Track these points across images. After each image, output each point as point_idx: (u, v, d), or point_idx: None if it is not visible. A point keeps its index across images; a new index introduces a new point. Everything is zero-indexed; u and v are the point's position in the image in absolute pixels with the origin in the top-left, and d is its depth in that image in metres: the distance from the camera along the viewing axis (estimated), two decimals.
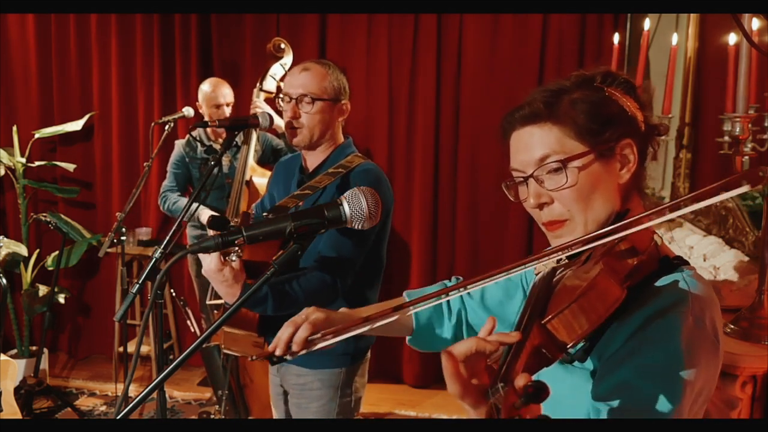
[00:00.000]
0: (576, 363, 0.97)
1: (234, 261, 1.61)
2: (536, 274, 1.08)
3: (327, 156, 1.99)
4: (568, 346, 0.84)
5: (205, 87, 3.48)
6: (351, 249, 1.85)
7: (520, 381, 0.74)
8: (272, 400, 2.17)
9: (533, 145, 1.01)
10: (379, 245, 1.97)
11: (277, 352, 1.13)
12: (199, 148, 3.50)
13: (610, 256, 0.90)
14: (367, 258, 1.93)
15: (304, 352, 1.14)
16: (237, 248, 1.58)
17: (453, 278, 1.43)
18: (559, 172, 0.99)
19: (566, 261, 1.04)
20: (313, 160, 2.01)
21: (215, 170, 2.06)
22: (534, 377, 1.04)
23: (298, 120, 1.92)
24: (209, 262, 1.60)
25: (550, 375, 1.00)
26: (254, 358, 1.23)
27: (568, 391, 0.98)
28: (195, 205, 1.99)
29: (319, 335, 1.14)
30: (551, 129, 1.00)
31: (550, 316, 0.84)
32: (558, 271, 1.02)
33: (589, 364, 0.96)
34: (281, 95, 1.97)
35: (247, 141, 3.22)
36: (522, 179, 1.03)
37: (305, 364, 1.97)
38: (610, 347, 0.93)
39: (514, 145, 1.05)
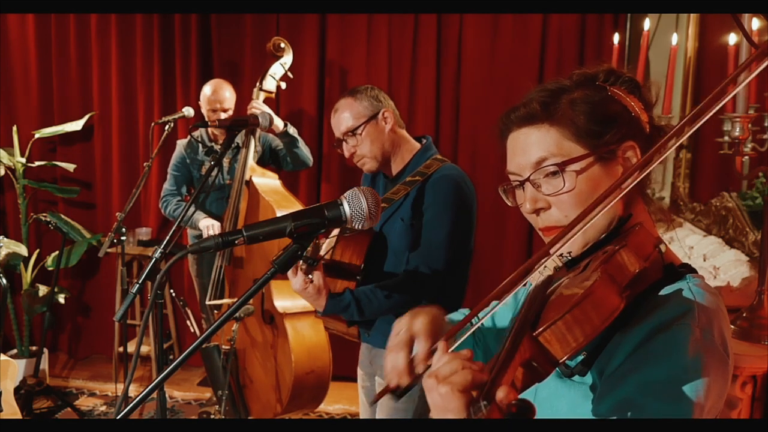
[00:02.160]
0: (576, 377, 0.92)
1: (315, 279, 1.77)
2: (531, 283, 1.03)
3: (407, 161, 2.06)
4: (561, 360, 0.78)
5: (206, 89, 3.47)
6: (443, 266, 1.93)
7: (501, 394, 0.70)
8: (360, 389, 2.27)
9: (530, 147, 0.96)
10: (470, 244, 2.07)
11: (403, 383, 0.96)
12: (200, 149, 3.49)
13: (609, 264, 0.84)
14: (460, 257, 2.02)
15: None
16: (312, 267, 1.76)
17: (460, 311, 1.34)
18: (556, 176, 0.94)
19: (564, 269, 0.99)
20: (394, 167, 2.08)
21: (215, 171, 2.06)
22: (534, 392, 1.00)
23: (356, 155, 2.04)
24: (295, 282, 1.76)
25: (549, 390, 0.97)
26: (376, 400, 1.05)
27: (568, 406, 0.94)
28: (193, 208, 2.01)
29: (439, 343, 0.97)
30: (548, 130, 0.95)
31: (542, 328, 0.78)
32: (555, 280, 0.97)
33: (589, 378, 0.91)
34: (336, 144, 2.08)
35: (247, 141, 3.22)
36: (518, 183, 0.99)
37: None
38: (613, 362, 0.87)
39: (511, 148, 1.00)
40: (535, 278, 0.97)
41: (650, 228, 0.97)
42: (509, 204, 1.04)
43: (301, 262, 1.74)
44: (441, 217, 1.94)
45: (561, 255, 0.97)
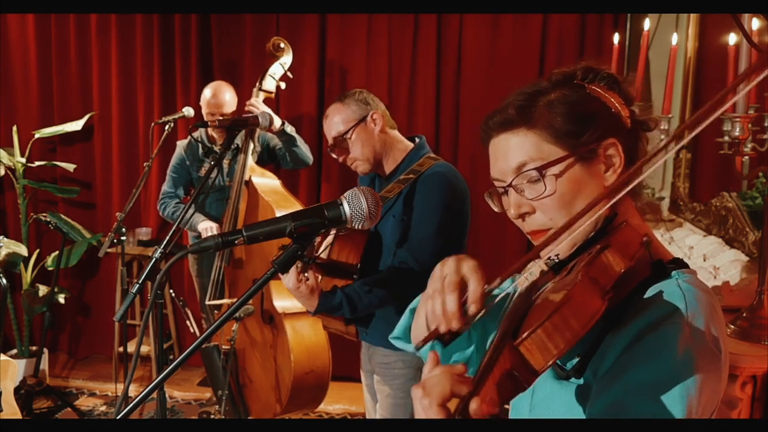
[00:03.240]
0: (572, 379, 0.91)
1: (309, 279, 1.78)
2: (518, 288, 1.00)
3: (400, 161, 2.10)
4: (542, 370, 0.77)
5: (206, 92, 3.42)
6: (431, 260, 1.95)
7: (474, 405, 0.69)
8: (364, 387, 2.33)
9: (509, 152, 0.96)
10: (462, 241, 2.09)
11: (455, 326, 0.85)
12: (200, 150, 3.48)
13: (591, 266, 0.82)
14: (450, 253, 2.03)
15: (482, 312, 0.87)
16: (308, 265, 1.77)
17: None
18: (538, 180, 0.93)
19: (551, 273, 0.98)
20: (386, 167, 2.12)
21: (214, 171, 2.06)
22: (531, 394, 1.00)
23: (349, 158, 2.08)
24: (287, 280, 1.77)
25: (545, 392, 0.97)
26: (420, 346, 0.91)
27: (564, 408, 0.93)
28: (192, 209, 2.01)
29: (496, 282, 0.90)
30: (526, 135, 0.95)
31: (521, 338, 0.77)
32: (540, 286, 0.96)
33: (584, 379, 0.90)
34: (330, 149, 2.13)
35: (246, 141, 3.22)
36: (503, 189, 0.99)
37: (391, 346, 2.07)
38: (605, 363, 0.86)
39: (492, 154, 1.00)
40: (522, 284, 0.95)
41: (637, 225, 0.96)
42: (496, 210, 1.03)
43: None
44: (430, 212, 1.98)
45: (549, 258, 0.96)
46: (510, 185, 0.96)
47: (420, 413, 0.77)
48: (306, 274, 1.77)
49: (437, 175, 2.02)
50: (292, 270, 1.76)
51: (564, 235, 0.90)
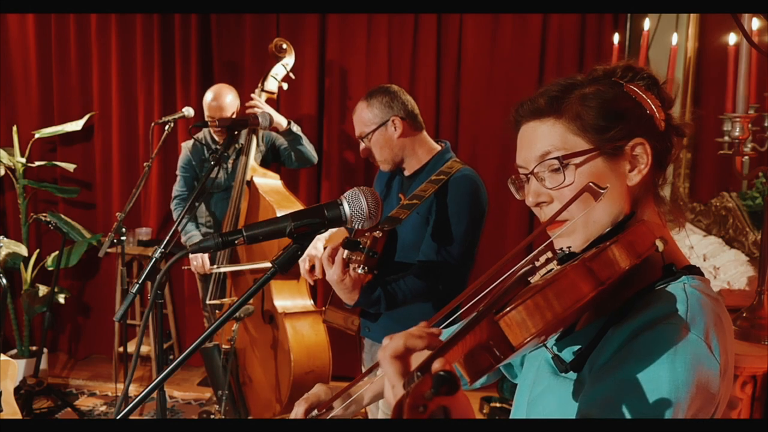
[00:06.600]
0: (570, 374, 0.90)
1: (359, 270, 1.80)
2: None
3: (425, 162, 2.14)
4: (518, 345, 0.77)
5: (208, 95, 3.39)
6: (458, 257, 2.03)
7: (437, 365, 0.69)
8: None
9: (535, 140, 0.96)
10: (474, 247, 2.13)
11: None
12: (205, 151, 3.47)
13: (593, 259, 0.82)
14: (467, 256, 2.10)
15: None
16: (362, 259, 1.80)
17: None
18: (558, 170, 0.93)
19: (555, 262, 0.98)
20: (410, 165, 2.17)
21: (218, 171, 2.06)
22: (529, 388, 1.01)
23: (371, 156, 2.16)
24: (332, 272, 1.79)
25: (543, 386, 0.97)
26: None
27: (557, 402, 0.93)
28: (196, 205, 2.01)
29: (314, 413, 1.27)
30: (554, 124, 0.95)
31: (504, 312, 0.78)
32: (544, 272, 0.96)
33: (582, 374, 0.90)
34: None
35: (248, 141, 3.22)
36: (524, 177, 0.99)
37: None
38: (601, 358, 0.86)
39: (519, 141, 1.00)
40: (524, 267, 0.97)
41: (655, 227, 0.95)
42: (516, 197, 1.04)
43: (350, 253, 1.79)
44: (461, 213, 2.03)
45: (561, 249, 0.97)
46: (531, 172, 0.97)
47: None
48: (360, 268, 1.80)
49: (467, 177, 2.07)
50: (338, 262, 1.78)
51: (580, 231, 0.96)
